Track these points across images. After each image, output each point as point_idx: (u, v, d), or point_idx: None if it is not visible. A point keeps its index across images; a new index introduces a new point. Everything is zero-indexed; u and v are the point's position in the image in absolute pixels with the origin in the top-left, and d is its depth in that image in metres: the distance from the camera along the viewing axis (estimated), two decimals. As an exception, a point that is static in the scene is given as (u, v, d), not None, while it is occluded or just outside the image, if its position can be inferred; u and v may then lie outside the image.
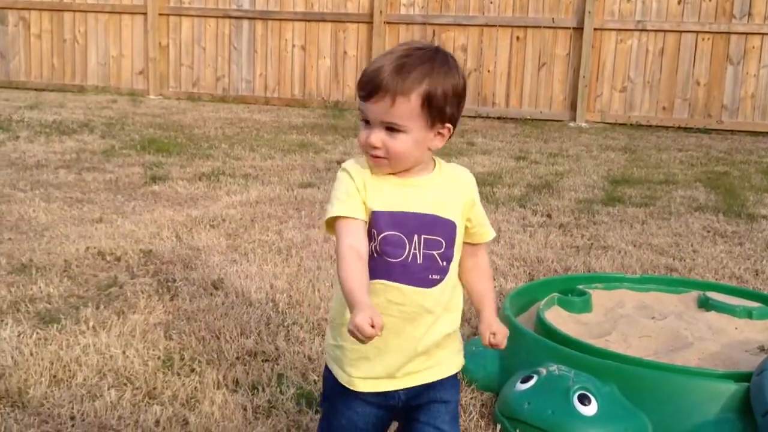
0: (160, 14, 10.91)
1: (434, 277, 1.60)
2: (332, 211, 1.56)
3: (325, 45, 10.54)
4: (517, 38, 9.90)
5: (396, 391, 1.63)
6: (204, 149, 6.82)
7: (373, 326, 1.37)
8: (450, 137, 1.61)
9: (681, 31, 9.40)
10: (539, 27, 9.79)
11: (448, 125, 1.58)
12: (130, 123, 8.31)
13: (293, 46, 10.64)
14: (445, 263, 1.61)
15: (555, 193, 5.50)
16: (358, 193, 1.56)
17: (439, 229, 1.60)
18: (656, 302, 2.89)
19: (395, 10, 10.23)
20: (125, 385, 2.36)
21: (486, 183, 5.63)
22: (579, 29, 9.62)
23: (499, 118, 9.94)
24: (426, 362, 1.64)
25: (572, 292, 2.83)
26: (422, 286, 1.59)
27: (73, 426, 2.12)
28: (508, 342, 1.63)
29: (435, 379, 1.65)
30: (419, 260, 1.58)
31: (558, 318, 2.65)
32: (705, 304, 2.82)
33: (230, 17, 10.77)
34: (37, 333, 2.68)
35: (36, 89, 11.13)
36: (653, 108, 9.63)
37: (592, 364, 2.22)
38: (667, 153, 7.68)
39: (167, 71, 11.07)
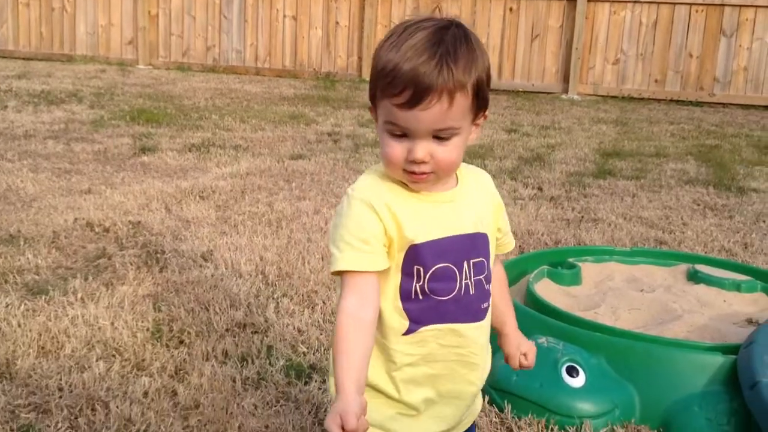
0: (149, -17, 10.79)
1: (485, 305, 1.36)
2: (339, 261, 1.25)
3: (317, 15, 10.43)
4: (510, 9, 9.82)
5: None
6: (194, 120, 6.77)
7: (343, 429, 1.13)
8: None
9: (674, 3, 9.35)
10: (532, -2, 9.73)
11: (486, 113, 1.32)
12: (119, 93, 8.23)
13: (284, 16, 10.53)
14: (488, 286, 1.37)
15: (546, 165, 5.49)
16: (384, 235, 1.26)
17: (480, 247, 1.34)
18: (645, 275, 2.90)
19: (387, -20, 10.14)
20: (113, 356, 2.36)
21: (477, 155, 5.61)
22: (573, 1, 9.55)
23: (491, 90, 9.86)
24: (472, 407, 1.44)
25: (562, 265, 2.84)
26: (477, 320, 1.34)
27: (61, 397, 2.11)
28: None
29: (472, 422, 1.47)
30: (472, 290, 1.32)
31: (547, 290, 2.65)
32: (694, 277, 2.83)
33: (220, -14, 10.66)
34: (25, 304, 2.67)
35: (24, 58, 11.00)
36: (645, 80, 9.59)
37: (581, 336, 2.23)
38: (659, 126, 7.67)
39: (157, 41, 10.95)
